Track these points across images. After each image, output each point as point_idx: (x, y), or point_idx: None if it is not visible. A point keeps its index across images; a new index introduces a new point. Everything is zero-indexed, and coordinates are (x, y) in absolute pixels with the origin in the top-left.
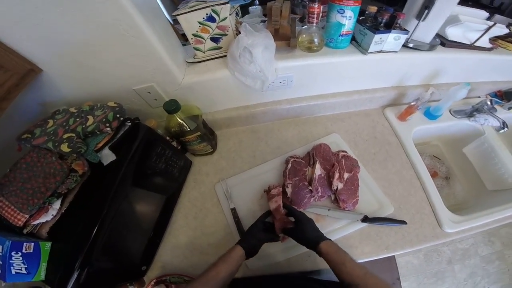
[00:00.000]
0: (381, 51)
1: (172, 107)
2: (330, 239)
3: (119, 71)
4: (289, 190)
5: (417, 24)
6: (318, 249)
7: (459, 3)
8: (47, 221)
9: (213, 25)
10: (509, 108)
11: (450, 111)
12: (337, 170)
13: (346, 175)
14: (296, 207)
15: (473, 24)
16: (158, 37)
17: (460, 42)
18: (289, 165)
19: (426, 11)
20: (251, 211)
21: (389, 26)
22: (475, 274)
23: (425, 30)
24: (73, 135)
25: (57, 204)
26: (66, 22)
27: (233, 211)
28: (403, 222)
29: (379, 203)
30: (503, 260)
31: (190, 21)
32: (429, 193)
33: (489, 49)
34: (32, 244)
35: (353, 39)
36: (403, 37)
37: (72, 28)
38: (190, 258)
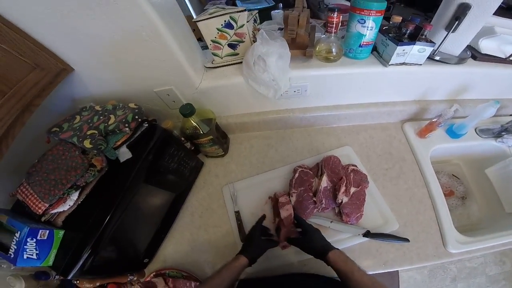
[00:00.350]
0: (403, 63)
1: (187, 110)
2: (338, 249)
3: (142, 74)
4: (293, 199)
5: (446, 36)
6: (326, 258)
7: (496, 13)
8: (64, 211)
9: (231, 31)
10: None
11: (475, 130)
12: (344, 184)
13: (352, 190)
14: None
15: (511, 37)
16: (178, 42)
17: (493, 56)
18: (296, 175)
19: (457, 22)
20: (254, 216)
21: (414, 38)
22: None
23: (455, 43)
24: (96, 132)
25: (75, 196)
26: (96, 27)
27: (237, 214)
28: (406, 240)
29: (384, 219)
30: (510, 281)
31: (210, 28)
32: (439, 213)
33: None
34: (47, 231)
35: (375, 49)
36: (428, 50)
37: (101, 32)
38: (191, 254)
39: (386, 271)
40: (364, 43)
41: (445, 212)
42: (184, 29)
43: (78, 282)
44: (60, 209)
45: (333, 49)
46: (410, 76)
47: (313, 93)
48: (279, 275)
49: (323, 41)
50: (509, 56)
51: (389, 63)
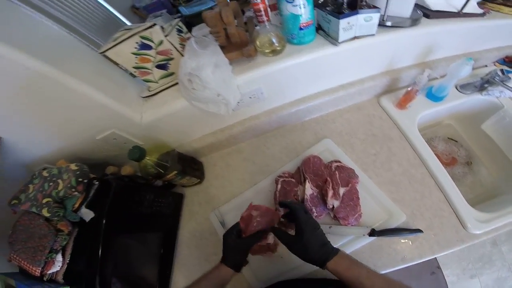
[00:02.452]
0: (355, 38)
1: (136, 155)
2: (339, 251)
3: (71, 126)
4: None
5: None
6: (325, 269)
7: None
8: (57, 271)
9: (152, 52)
10: None
11: (456, 87)
12: (331, 187)
13: (342, 190)
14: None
15: None
16: (90, 83)
17: (446, 11)
18: (279, 186)
19: None
20: None
21: (354, 7)
22: None
23: (400, 3)
24: (50, 200)
25: (59, 257)
26: None
27: None
28: (418, 231)
29: (387, 212)
30: None
31: (122, 55)
32: (446, 191)
33: (481, 15)
34: None
35: (320, 28)
36: (375, 17)
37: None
38: None
39: (407, 265)
40: (303, 24)
41: (453, 189)
42: (97, 64)
43: None
44: (53, 269)
45: (273, 39)
46: (367, 49)
47: (272, 93)
48: (278, 282)
49: (260, 33)
50: (461, 9)
51: (339, 41)
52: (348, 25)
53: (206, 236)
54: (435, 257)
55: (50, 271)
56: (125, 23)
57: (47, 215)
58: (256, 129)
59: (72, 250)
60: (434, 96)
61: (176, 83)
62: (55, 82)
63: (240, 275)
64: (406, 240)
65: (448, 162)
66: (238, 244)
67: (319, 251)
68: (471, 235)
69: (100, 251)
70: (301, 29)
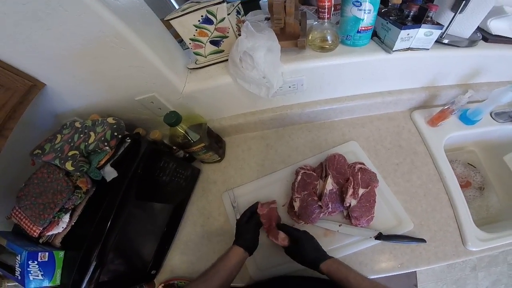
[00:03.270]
0: (409, 49)
1: (172, 119)
2: (331, 257)
3: (118, 83)
4: (296, 205)
5: (453, 18)
6: (319, 271)
7: None
8: (59, 233)
9: (211, 27)
10: None
11: (491, 114)
12: (351, 186)
13: (361, 191)
14: (303, 222)
15: None
16: (150, 46)
17: (506, 37)
18: (299, 177)
19: (464, 1)
20: None
21: (418, 20)
22: (499, 281)
23: (463, 24)
24: (77, 152)
25: (66, 218)
26: (51, 36)
27: None
28: (422, 241)
29: (397, 219)
30: None
31: (185, 25)
32: (457, 210)
33: None
34: (47, 253)
35: (375, 34)
36: (436, 33)
37: (59, 42)
38: (197, 264)
39: (402, 272)
40: (363, 28)
41: (464, 209)
42: (157, 30)
43: None
44: (54, 231)
45: (328, 37)
46: (417, 62)
47: (311, 87)
48: (272, 278)
49: (316, 29)
50: None
51: (393, 49)
52: (407, 36)
53: (214, 216)
54: (416, 275)
55: (50, 233)
56: (171, 2)
57: (71, 169)
58: (285, 119)
59: (82, 211)
60: (467, 118)
61: (222, 61)
62: (123, 38)
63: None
64: (408, 248)
65: (462, 185)
66: (251, 226)
67: (313, 254)
68: (467, 252)
69: (112, 217)
70: (359, 32)
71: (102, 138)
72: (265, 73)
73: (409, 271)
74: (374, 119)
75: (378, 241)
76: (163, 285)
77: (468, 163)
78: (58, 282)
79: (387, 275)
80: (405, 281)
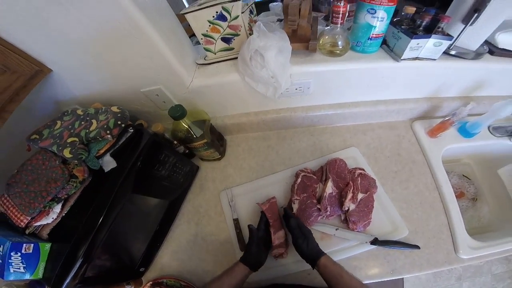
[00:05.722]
0: (417, 58)
1: (178, 113)
2: (325, 254)
3: (126, 72)
4: (295, 207)
5: (463, 29)
6: (317, 263)
7: None
8: (48, 223)
9: (224, 24)
10: None
11: (489, 128)
12: (351, 190)
13: (360, 196)
14: None
15: None
16: (164, 38)
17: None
18: (299, 180)
19: (476, 14)
20: (254, 224)
21: (429, 30)
22: None
23: (472, 36)
24: (77, 139)
25: (57, 208)
26: (68, 22)
27: (236, 221)
28: (416, 247)
29: (393, 225)
30: None
31: (200, 20)
32: (451, 218)
33: None
34: (32, 245)
35: (384, 42)
36: (445, 44)
37: (75, 27)
38: (188, 263)
39: (395, 277)
40: (374, 35)
41: (458, 218)
42: (171, 23)
43: None
44: (43, 222)
45: (339, 42)
46: (423, 71)
47: (317, 91)
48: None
49: (327, 33)
50: None
51: (401, 58)
52: (417, 46)
53: (210, 214)
54: (403, 285)
55: (38, 223)
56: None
57: (68, 156)
58: (289, 121)
59: (74, 202)
60: (466, 131)
61: (232, 58)
62: (138, 27)
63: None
64: (402, 254)
65: (456, 195)
66: (261, 248)
67: (314, 250)
68: (458, 259)
69: (106, 210)
70: (370, 39)
71: (105, 126)
72: (274, 72)
73: (401, 276)
74: (375, 127)
75: (373, 246)
76: (151, 283)
77: (463, 175)
78: (40, 275)
79: (378, 280)
80: None
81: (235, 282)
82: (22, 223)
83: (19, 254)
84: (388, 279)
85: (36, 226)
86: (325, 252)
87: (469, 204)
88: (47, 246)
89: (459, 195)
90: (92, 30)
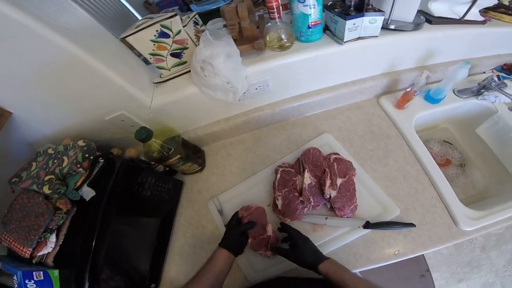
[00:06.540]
0: (359, 38)
1: (143, 135)
2: (329, 258)
3: (85, 104)
4: (279, 203)
5: (394, 3)
6: (317, 271)
7: None
8: (49, 252)
9: (169, 40)
10: None
11: (454, 91)
12: (328, 177)
13: (339, 181)
14: (289, 219)
15: None
16: (109, 65)
17: (448, 18)
18: (278, 175)
19: None
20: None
21: (360, 9)
22: None
23: (404, 8)
24: (53, 177)
25: (53, 238)
26: (7, 65)
27: None
28: (411, 225)
29: (382, 206)
30: None
31: (142, 41)
32: (439, 189)
33: (482, 22)
34: (41, 272)
35: (327, 28)
36: (379, 19)
37: (17, 69)
38: (193, 273)
39: (400, 259)
40: (312, 23)
41: (446, 187)
42: (115, 49)
43: None
44: (44, 251)
45: (283, 36)
46: (370, 49)
47: (277, 86)
48: (270, 280)
49: (271, 29)
50: (463, 16)
51: (344, 40)
52: (354, 26)
53: (203, 224)
54: (425, 261)
55: (41, 253)
56: (137, 17)
57: (48, 192)
58: (259, 120)
59: (67, 230)
60: (431, 98)
61: (186, 72)
62: (78, 61)
63: (238, 268)
64: (399, 234)
65: (442, 163)
66: (235, 229)
67: (311, 257)
68: (462, 232)
69: (96, 233)
70: (309, 27)
71: (75, 161)
72: (228, 78)
73: (407, 257)
74: (343, 109)
75: (367, 230)
76: None
77: (444, 141)
78: None
79: (384, 264)
80: (415, 268)
81: (219, 268)
82: (26, 254)
83: (33, 281)
84: (393, 261)
85: (40, 255)
86: (324, 252)
87: (458, 171)
88: (56, 272)
89: (446, 163)
90: (33, 69)
